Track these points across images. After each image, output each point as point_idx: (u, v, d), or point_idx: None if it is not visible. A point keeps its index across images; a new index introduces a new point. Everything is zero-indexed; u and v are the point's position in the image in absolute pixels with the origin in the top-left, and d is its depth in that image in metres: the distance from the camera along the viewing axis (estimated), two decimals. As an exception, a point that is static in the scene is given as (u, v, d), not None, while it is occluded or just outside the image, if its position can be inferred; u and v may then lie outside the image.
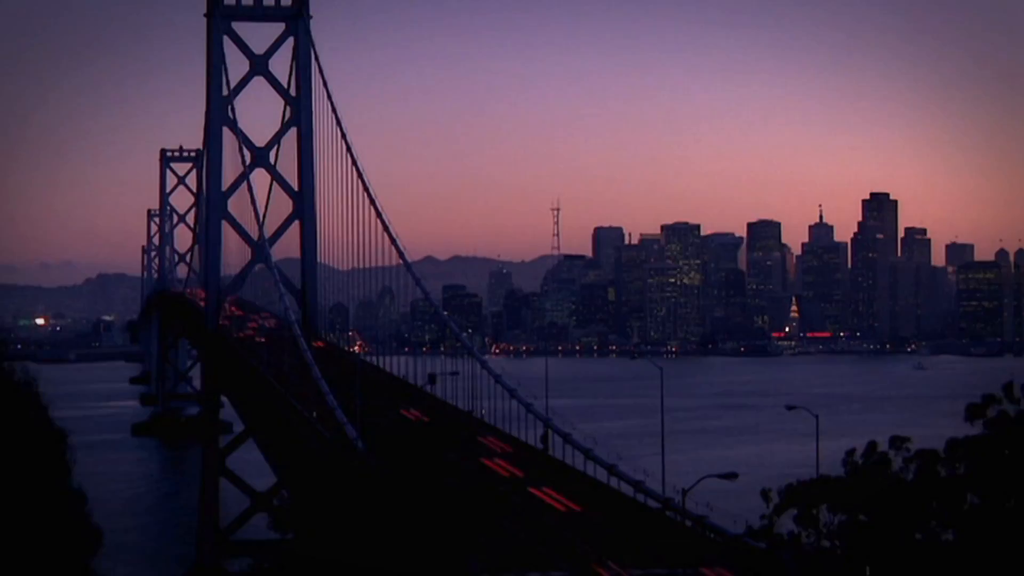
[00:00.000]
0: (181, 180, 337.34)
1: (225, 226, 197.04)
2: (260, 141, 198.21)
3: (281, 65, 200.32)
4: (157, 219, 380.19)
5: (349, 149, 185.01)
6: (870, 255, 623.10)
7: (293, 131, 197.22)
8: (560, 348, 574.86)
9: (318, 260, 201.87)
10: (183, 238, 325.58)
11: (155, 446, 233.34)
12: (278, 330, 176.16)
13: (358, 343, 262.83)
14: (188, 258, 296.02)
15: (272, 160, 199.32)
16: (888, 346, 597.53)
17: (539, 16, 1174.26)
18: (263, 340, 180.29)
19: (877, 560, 69.89)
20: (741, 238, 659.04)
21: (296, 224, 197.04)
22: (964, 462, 65.96)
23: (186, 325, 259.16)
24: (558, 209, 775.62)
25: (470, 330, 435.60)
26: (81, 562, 70.33)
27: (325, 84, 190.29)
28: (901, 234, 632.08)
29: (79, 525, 70.18)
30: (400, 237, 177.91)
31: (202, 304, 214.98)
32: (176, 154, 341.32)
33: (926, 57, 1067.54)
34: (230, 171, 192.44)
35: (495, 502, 79.25)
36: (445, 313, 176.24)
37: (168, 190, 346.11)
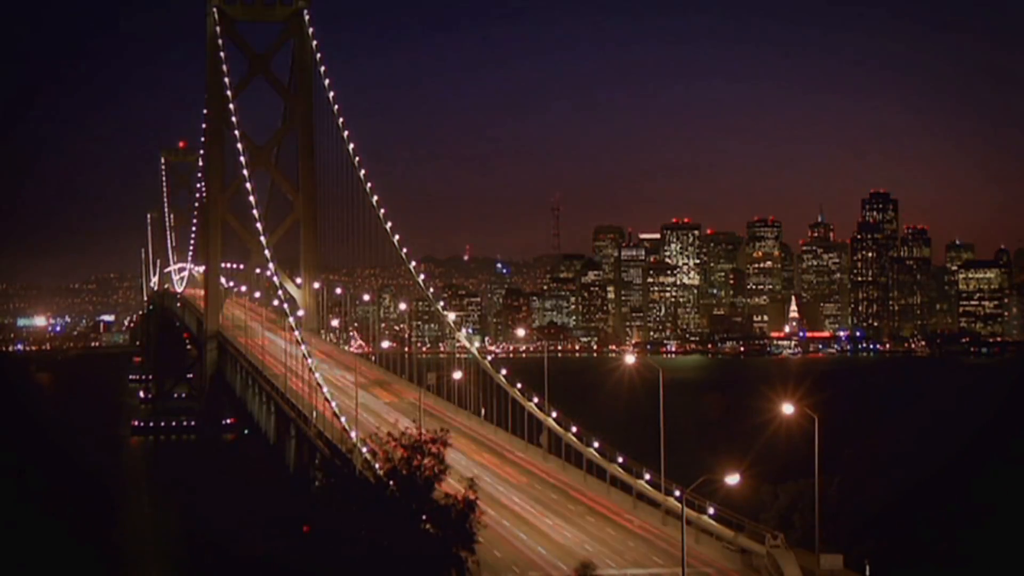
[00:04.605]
0: (181, 181, 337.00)
1: (225, 226, 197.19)
2: (260, 141, 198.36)
3: (283, 65, 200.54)
4: (156, 220, 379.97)
5: (349, 148, 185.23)
6: (870, 254, 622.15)
7: (294, 130, 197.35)
8: (560, 348, 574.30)
9: (317, 259, 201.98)
10: (183, 238, 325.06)
11: (154, 446, 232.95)
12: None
13: (358, 342, 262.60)
14: (187, 258, 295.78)
15: (272, 160, 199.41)
16: (888, 346, 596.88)
17: (540, 16, 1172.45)
18: (262, 340, 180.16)
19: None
20: (741, 238, 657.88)
21: (296, 223, 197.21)
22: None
23: (185, 325, 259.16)
24: (558, 209, 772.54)
25: (470, 330, 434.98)
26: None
27: (325, 84, 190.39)
28: (902, 233, 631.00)
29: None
30: (400, 236, 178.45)
31: (202, 304, 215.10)
32: (176, 154, 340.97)
33: (927, 56, 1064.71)
34: (230, 171, 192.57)
35: None
36: (445, 313, 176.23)
37: (168, 191, 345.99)
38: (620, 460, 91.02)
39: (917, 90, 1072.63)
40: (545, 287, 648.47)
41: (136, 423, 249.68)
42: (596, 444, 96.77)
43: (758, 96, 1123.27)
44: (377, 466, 70.96)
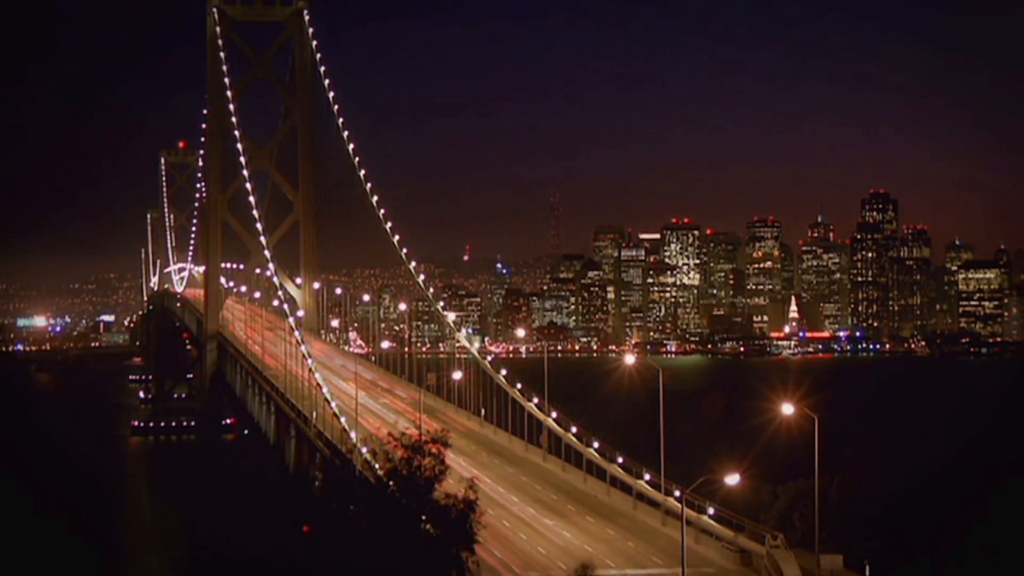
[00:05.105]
0: (181, 181, 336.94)
1: (225, 226, 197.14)
2: (260, 141, 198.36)
3: (283, 64, 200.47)
4: (156, 220, 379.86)
5: (349, 149, 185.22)
6: (870, 254, 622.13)
7: (294, 130, 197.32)
8: (560, 348, 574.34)
9: (318, 259, 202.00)
10: (183, 238, 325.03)
11: (154, 446, 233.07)
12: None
13: (359, 343, 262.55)
14: (187, 258, 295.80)
15: (272, 160, 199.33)
16: (888, 346, 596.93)
17: (540, 16, 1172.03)
18: (262, 339, 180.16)
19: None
20: (741, 238, 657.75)
21: (296, 223, 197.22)
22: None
23: (185, 325, 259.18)
24: (558, 209, 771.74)
25: (470, 330, 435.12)
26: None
27: (324, 83, 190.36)
28: (901, 233, 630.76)
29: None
30: (400, 237, 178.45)
31: (202, 304, 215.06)
32: (176, 154, 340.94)
33: (927, 54, 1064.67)
34: (230, 171, 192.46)
35: None
36: (445, 313, 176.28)
37: (168, 191, 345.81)
38: (620, 460, 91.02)
39: (917, 90, 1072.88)
40: (545, 287, 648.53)
41: (136, 423, 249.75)
42: (596, 444, 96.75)
43: (758, 96, 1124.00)
44: (377, 466, 70.96)
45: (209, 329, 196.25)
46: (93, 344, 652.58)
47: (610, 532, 79.74)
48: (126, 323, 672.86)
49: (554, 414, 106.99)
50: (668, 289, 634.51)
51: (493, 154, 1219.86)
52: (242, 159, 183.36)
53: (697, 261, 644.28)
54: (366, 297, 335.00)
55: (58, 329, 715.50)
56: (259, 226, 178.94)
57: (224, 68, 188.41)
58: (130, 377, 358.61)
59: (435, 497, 64.78)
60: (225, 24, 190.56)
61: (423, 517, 63.65)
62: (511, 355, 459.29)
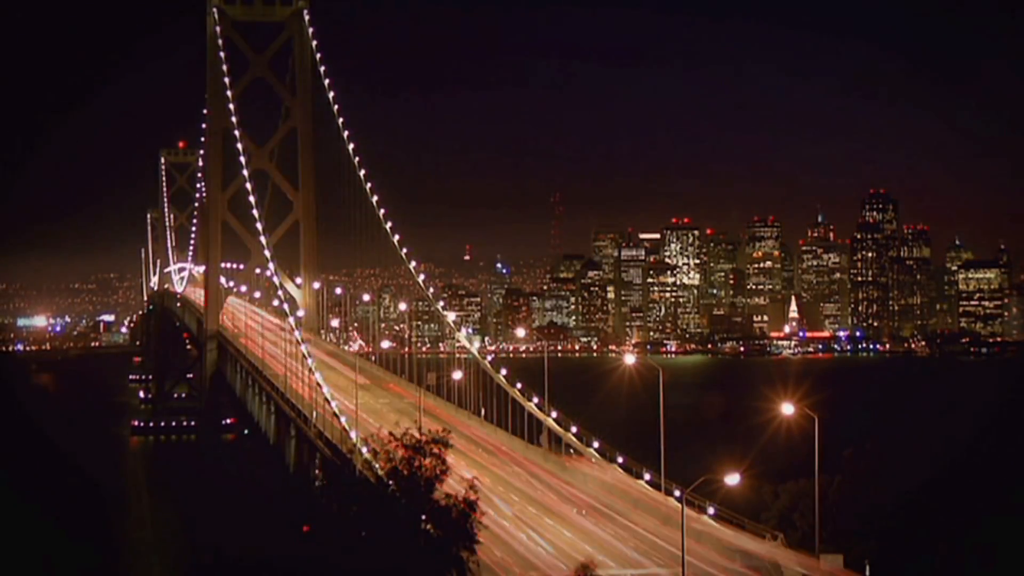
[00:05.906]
0: (181, 181, 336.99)
1: (225, 226, 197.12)
2: (260, 141, 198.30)
3: (283, 64, 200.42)
4: (156, 220, 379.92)
5: (349, 149, 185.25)
6: (870, 254, 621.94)
7: (294, 130, 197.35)
8: (560, 348, 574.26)
9: (318, 259, 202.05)
10: (183, 238, 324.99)
11: (154, 446, 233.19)
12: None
13: (358, 342, 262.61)
14: (188, 258, 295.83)
15: (272, 160, 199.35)
16: (888, 346, 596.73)
17: (540, 17, 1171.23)
18: (262, 339, 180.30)
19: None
20: (741, 238, 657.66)
21: (296, 223, 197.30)
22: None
23: (185, 325, 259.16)
24: (558, 209, 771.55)
25: (470, 330, 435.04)
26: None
27: (324, 83, 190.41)
28: (902, 233, 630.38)
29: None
30: (400, 236, 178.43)
31: (202, 304, 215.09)
32: (176, 154, 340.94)
33: (927, 54, 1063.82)
34: (230, 171, 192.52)
35: None
36: (445, 313, 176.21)
37: (168, 190, 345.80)
38: (620, 460, 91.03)
39: (917, 90, 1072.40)
40: (545, 287, 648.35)
41: (136, 423, 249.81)
42: (596, 444, 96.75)
43: (758, 96, 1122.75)
44: (377, 466, 70.92)
45: (209, 329, 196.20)
46: (93, 344, 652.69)
47: (610, 532, 79.72)
48: (126, 323, 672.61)
49: (554, 414, 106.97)
50: (668, 289, 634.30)
51: (493, 154, 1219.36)
52: (242, 159, 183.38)
53: (697, 261, 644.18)
54: (366, 297, 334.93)
55: (58, 329, 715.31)
56: (259, 226, 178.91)
57: (224, 68, 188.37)
58: (130, 377, 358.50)
59: (435, 497, 64.77)
60: (225, 24, 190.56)
61: (423, 517, 63.64)
62: (511, 355, 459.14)
